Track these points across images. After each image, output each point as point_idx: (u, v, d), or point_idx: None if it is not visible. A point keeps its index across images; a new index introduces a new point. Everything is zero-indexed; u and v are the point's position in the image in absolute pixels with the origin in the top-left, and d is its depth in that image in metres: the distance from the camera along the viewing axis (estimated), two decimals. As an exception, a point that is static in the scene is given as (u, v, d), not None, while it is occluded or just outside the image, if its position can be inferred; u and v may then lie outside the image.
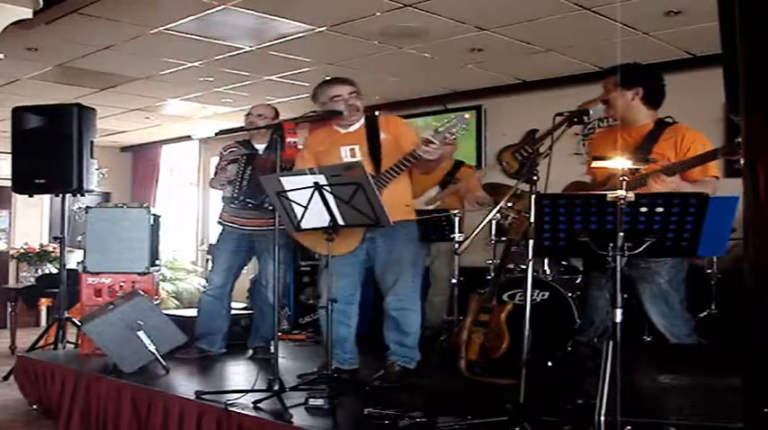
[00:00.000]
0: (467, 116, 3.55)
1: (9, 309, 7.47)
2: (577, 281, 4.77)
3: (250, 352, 4.94)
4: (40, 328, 7.17)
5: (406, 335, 3.92)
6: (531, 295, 3.14)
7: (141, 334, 4.22)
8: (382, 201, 3.35)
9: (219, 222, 5.00)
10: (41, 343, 5.56)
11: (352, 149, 3.92)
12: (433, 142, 3.62)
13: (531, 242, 2.96)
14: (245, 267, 5.09)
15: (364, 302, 4.12)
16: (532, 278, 3.13)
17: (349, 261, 3.90)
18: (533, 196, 2.96)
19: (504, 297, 4.33)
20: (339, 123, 4.01)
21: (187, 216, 10.80)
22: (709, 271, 4.85)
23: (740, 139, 1.68)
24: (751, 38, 1.63)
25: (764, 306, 1.57)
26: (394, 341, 3.95)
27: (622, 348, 2.59)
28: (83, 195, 5.68)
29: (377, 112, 4.20)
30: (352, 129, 4.01)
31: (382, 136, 3.93)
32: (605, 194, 2.59)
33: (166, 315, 4.68)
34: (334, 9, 4.90)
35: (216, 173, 4.96)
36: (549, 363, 4.16)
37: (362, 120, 4.03)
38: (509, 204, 4.54)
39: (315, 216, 3.44)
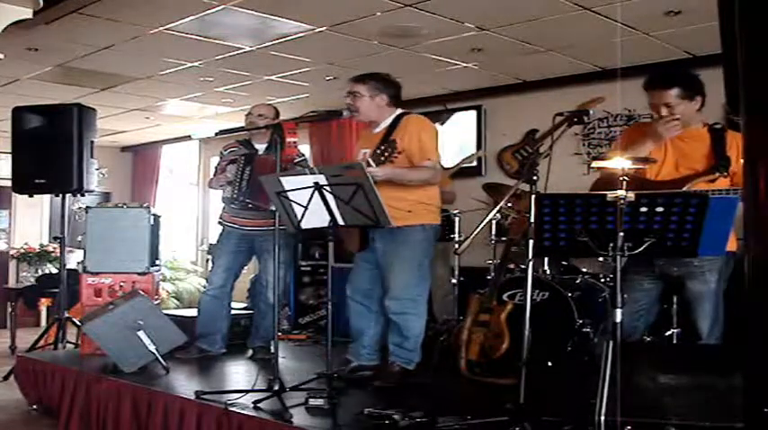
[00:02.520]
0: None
1: (9, 309, 7.47)
2: (577, 281, 4.77)
3: (250, 352, 4.93)
4: (40, 328, 7.15)
5: (407, 339, 3.91)
6: (531, 295, 3.14)
7: (141, 334, 4.22)
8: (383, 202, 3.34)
9: (220, 222, 5.00)
10: (41, 343, 5.56)
11: (365, 153, 3.81)
12: (370, 164, 3.51)
13: (531, 242, 2.96)
14: (245, 267, 5.09)
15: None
16: (532, 278, 3.14)
17: (366, 257, 3.95)
18: (533, 196, 2.97)
19: (504, 297, 4.32)
20: (370, 123, 4.01)
21: (187, 216, 10.79)
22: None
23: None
24: (750, 37, 1.63)
25: (764, 305, 1.57)
26: (394, 343, 3.94)
27: (622, 348, 2.59)
28: (83, 195, 5.68)
29: (406, 114, 4.04)
30: (377, 130, 3.97)
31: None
32: (605, 194, 2.59)
33: (166, 315, 4.68)
34: (334, 9, 4.90)
35: (215, 173, 4.96)
36: (549, 363, 4.16)
37: (388, 122, 3.96)
38: (509, 204, 4.54)
39: (315, 216, 3.44)
